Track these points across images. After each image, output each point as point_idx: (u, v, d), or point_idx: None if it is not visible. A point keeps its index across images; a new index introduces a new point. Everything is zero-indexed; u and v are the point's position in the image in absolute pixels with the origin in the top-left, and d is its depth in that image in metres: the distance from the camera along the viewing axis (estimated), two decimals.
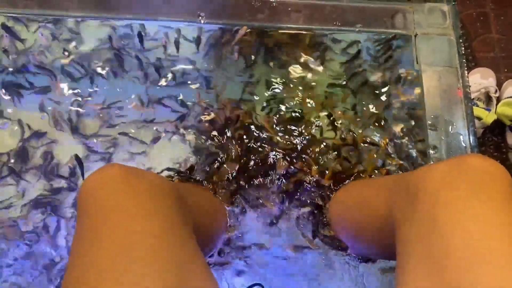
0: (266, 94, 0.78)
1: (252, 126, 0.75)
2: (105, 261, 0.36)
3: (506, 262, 0.33)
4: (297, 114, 0.76)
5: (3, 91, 0.77)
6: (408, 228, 0.42)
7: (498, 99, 1.24)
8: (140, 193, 0.42)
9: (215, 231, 0.65)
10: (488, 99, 1.26)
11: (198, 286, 0.38)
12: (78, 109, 0.76)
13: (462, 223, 0.37)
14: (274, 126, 0.75)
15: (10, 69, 0.78)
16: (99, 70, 0.78)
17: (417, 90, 0.74)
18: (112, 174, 0.43)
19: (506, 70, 1.32)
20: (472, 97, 1.21)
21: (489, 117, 1.17)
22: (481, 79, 1.26)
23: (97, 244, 0.38)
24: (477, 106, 1.21)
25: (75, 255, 0.39)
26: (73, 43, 0.79)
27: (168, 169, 0.73)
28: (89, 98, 0.77)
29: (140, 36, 0.79)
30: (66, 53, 0.79)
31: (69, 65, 0.79)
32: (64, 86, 0.78)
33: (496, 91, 1.24)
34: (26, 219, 0.70)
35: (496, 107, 1.20)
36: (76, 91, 0.77)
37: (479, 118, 1.17)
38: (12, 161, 0.73)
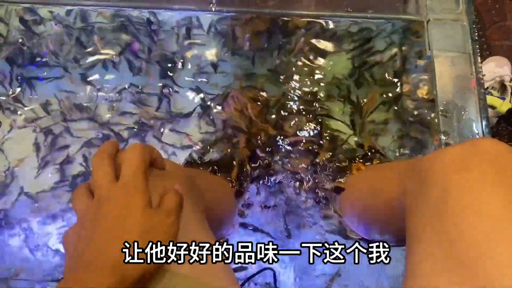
0: (275, 85, 0.78)
1: (258, 116, 0.75)
2: None
3: None
4: (308, 99, 0.77)
5: (18, 81, 0.78)
6: (418, 210, 0.42)
7: None
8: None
9: (226, 214, 0.65)
10: (502, 88, 1.24)
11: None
12: (92, 97, 0.77)
13: (474, 204, 0.36)
14: (283, 112, 0.75)
15: (25, 59, 0.79)
16: (113, 59, 0.79)
17: (429, 76, 0.73)
18: None
19: None
20: (486, 86, 1.19)
21: (503, 106, 1.16)
22: (495, 68, 1.24)
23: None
24: (492, 95, 1.19)
25: None
26: (86, 32, 0.80)
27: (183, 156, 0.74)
28: (103, 87, 0.78)
29: (151, 25, 0.80)
30: (79, 42, 0.80)
31: (82, 54, 0.80)
32: (77, 75, 0.79)
33: (511, 79, 1.22)
34: None
35: (510, 96, 1.18)
36: (89, 79, 0.79)
37: (493, 107, 1.16)
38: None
